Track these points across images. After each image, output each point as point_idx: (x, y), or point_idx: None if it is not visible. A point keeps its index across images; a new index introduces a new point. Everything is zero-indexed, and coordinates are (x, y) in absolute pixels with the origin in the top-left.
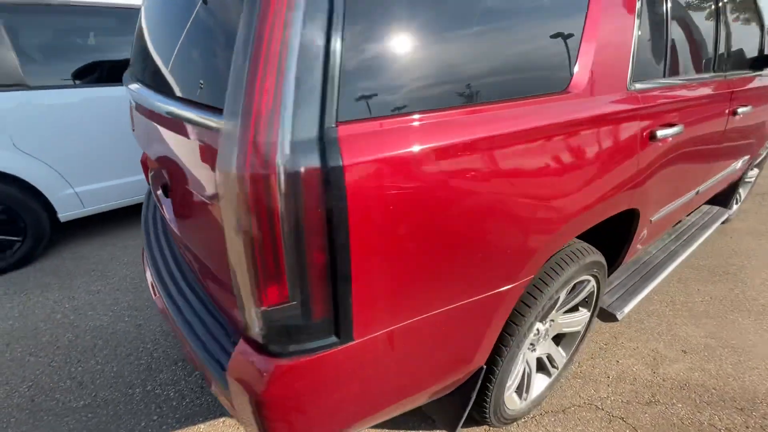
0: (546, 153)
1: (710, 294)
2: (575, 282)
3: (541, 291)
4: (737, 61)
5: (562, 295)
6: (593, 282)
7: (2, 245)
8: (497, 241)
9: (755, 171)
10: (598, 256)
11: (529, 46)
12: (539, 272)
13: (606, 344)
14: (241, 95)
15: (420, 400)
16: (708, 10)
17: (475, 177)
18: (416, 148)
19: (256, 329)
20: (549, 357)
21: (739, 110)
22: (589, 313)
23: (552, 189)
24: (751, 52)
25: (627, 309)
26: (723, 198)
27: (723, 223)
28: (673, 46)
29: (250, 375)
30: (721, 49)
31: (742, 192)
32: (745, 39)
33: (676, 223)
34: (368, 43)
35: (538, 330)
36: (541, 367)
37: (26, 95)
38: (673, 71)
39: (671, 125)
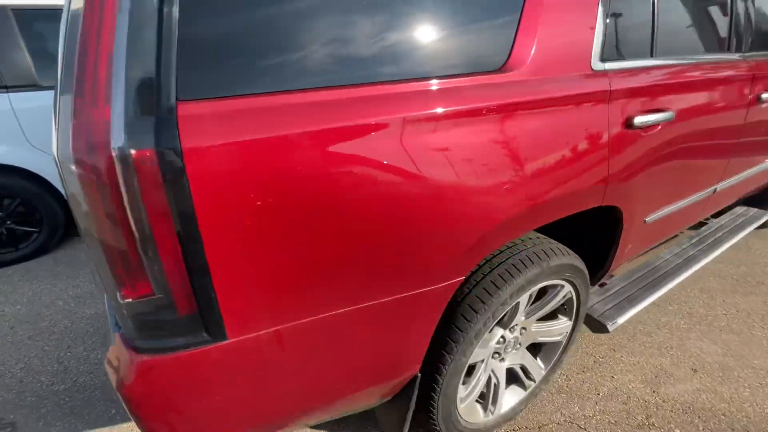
0: (462, 139)
1: (737, 306)
2: (540, 287)
3: (490, 294)
4: (761, 41)
5: (523, 301)
6: (569, 288)
7: (20, 236)
8: (402, 239)
9: None
10: (570, 259)
11: (449, 16)
12: (489, 274)
13: (603, 357)
14: (72, 70)
15: (343, 406)
16: None
17: (369, 165)
18: (288, 132)
19: (123, 322)
20: (523, 368)
21: (764, 96)
22: (570, 322)
23: (474, 181)
24: None
25: (621, 320)
26: (762, 198)
27: (764, 227)
28: (667, 22)
29: (120, 369)
30: (740, 26)
31: None
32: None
33: (700, 225)
34: (218, 8)
35: (503, 338)
36: (514, 378)
37: (38, 95)
38: (666, 50)
39: (657, 111)
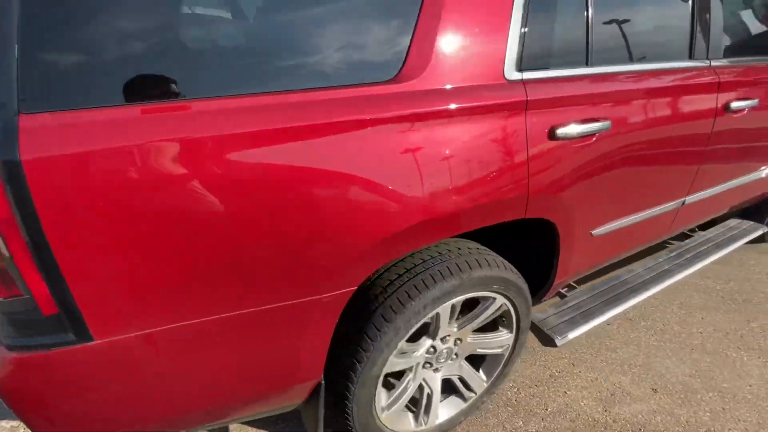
0: (342, 150)
1: (715, 325)
2: (464, 298)
3: (402, 304)
4: (735, 46)
5: (444, 312)
6: (503, 300)
7: None
8: (279, 248)
9: None
10: (500, 272)
11: (332, 22)
12: (405, 283)
13: (560, 372)
14: None
15: (251, 409)
16: None
17: (228, 172)
18: (136, 142)
19: None
20: (462, 379)
21: (734, 105)
22: (511, 335)
23: (357, 193)
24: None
25: (572, 335)
26: (756, 211)
27: (763, 241)
28: (610, 29)
29: None
30: (704, 32)
31: None
32: (752, 19)
33: (685, 237)
34: (60, 22)
35: (434, 347)
36: (453, 389)
37: None
38: (608, 59)
39: (589, 121)
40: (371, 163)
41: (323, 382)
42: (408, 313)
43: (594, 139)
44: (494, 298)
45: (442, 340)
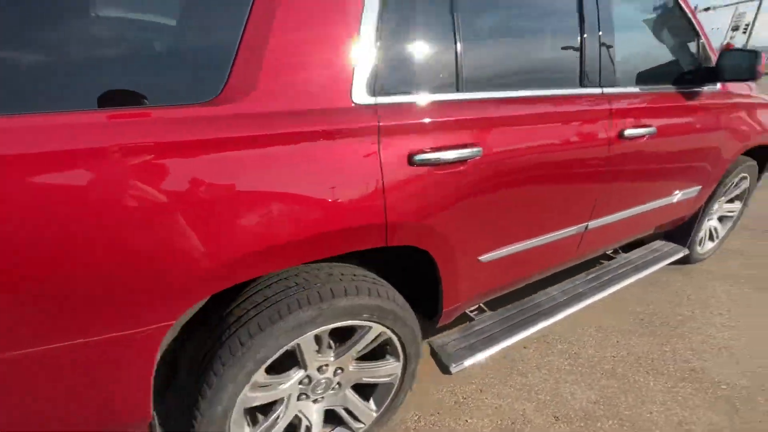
0: (144, 175)
1: (629, 348)
2: (328, 328)
3: (251, 336)
4: (632, 75)
5: (305, 343)
6: (383, 329)
7: None
8: (73, 278)
9: (734, 204)
10: (372, 300)
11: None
12: (256, 315)
13: (466, 398)
14: None
15: None
16: (567, 11)
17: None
18: None
19: None
20: (348, 410)
21: (629, 133)
22: (400, 363)
23: (168, 224)
24: (665, 63)
25: (469, 362)
26: (680, 233)
27: (689, 262)
28: (483, 54)
29: None
30: (596, 60)
31: (720, 228)
32: (656, 49)
33: (609, 259)
34: None
35: (309, 378)
36: (339, 420)
37: None
38: (481, 84)
39: (458, 147)
40: (178, 191)
41: (155, 420)
42: (256, 346)
43: (465, 166)
44: (370, 327)
45: (319, 369)
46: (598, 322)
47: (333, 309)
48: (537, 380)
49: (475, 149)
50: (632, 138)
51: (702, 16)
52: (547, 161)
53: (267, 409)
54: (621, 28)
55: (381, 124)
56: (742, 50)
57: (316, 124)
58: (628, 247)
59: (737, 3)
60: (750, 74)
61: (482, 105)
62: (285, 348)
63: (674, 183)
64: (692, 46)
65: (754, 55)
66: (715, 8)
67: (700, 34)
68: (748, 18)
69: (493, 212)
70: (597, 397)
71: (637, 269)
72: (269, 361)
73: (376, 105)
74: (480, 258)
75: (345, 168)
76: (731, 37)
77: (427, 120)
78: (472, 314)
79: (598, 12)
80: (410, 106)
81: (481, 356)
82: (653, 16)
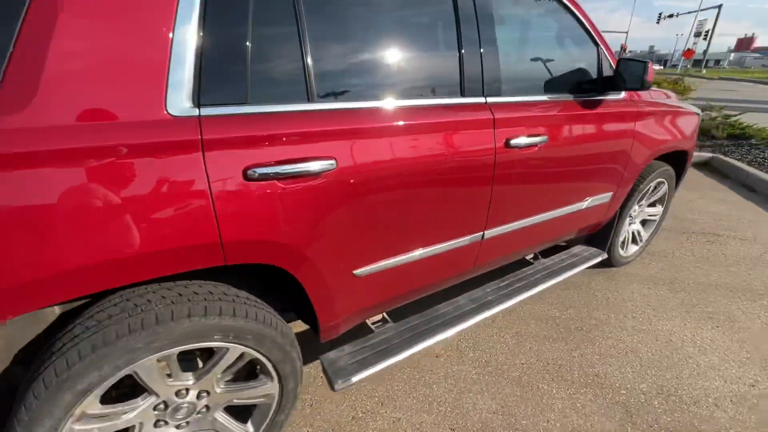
0: None
1: (540, 355)
2: (171, 352)
3: (69, 366)
4: (520, 84)
5: (143, 370)
6: (245, 349)
7: None
8: None
9: (656, 208)
10: (221, 320)
11: None
12: (74, 346)
13: (366, 412)
14: None
15: None
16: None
17: None
18: None
19: None
20: None
21: (514, 142)
22: (275, 383)
23: None
24: (567, 71)
25: (357, 378)
26: (599, 238)
27: (612, 266)
28: (340, 61)
29: None
30: (477, 69)
31: (644, 232)
32: (551, 57)
33: (527, 264)
34: None
35: (165, 404)
36: None
37: None
38: (338, 94)
39: (301, 161)
40: None
41: None
42: (76, 377)
43: (319, 179)
44: (227, 348)
45: (178, 394)
46: (517, 327)
47: (171, 332)
48: (441, 391)
49: (326, 162)
50: (521, 147)
51: (668, 22)
52: (420, 173)
53: None
54: (508, 35)
55: (205, 137)
56: (635, 60)
57: (115, 138)
58: (547, 253)
59: (699, 11)
60: (641, 84)
61: (337, 116)
62: (118, 376)
63: (579, 190)
64: (590, 54)
65: (642, 65)
66: (678, 15)
67: (599, 42)
68: (709, 25)
69: (361, 226)
70: (498, 407)
71: (552, 275)
72: (97, 391)
73: (199, 117)
74: (356, 272)
75: (161, 186)
76: (694, 43)
77: (266, 132)
78: (373, 326)
79: (477, 21)
80: (246, 117)
81: (372, 371)
82: (548, 24)
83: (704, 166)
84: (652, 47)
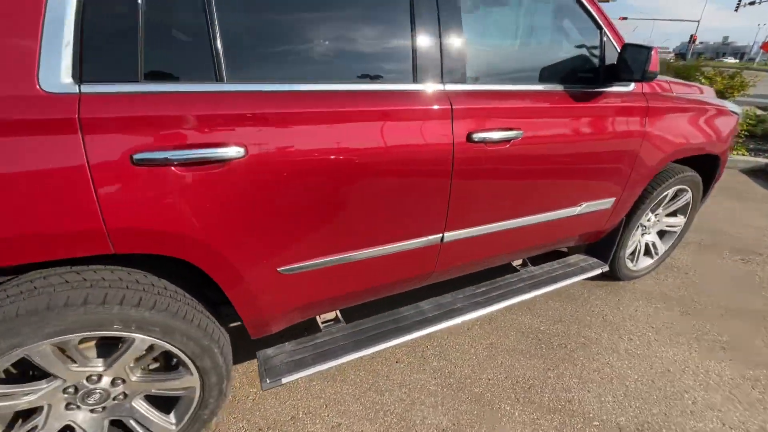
0: None
1: (511, 372)
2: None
3: None
4: (493, 70)
5: (36, 354)
6: (153, 340)
7: None
8: None
9: (677, 218)
10: (122, 309)
11: None
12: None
13: (307, 413)
14: None
15: None
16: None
17: None
18: None
19: None
20: (138, 421)
21: (478, 136)
22: (195, 377)
23: None
24: (548, 58)
25: (288, 379)
26: (603, 248)
27: (619, 279)
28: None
29: None
30: (433, 53)
31: (660, 244)
32: (538, 40)
33: (513, 272)
34: None
35: (75, 388)
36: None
37: None
38: (251, 74)
39: (202, 146)
40: None
41: None
42: None
43: (224, 168)
44: (133, 339)
45: (89, 379)
46: (493, 338)
47: (63, 319)
48: (392, 399)
49: (233, 149)
50: (488, 143)
51: (748, 10)
52: (353, 168)
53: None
54: (481, 12)
55: (84, 116)
56: (637, 45)
57: None
58: (545, 259)
59: None
60: (641, 74)
61: (250, 99)
62: (10, 359)
63: (568, 193)
64: (591, 39)
65: (645, 51)
66: (761, 2)
67: (602, 24)
68: None
69: (282, 222)
70: (448, 424)
71: (538, 285)
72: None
73: (79, 94)
74: (280, 270)
75: (31, 167)
76: None
77: (160, 113)
78: (323, 325)
79: None
80: (136, 97)
81: (304, 373)
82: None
83: (759, 173)
84: (726, 38)
